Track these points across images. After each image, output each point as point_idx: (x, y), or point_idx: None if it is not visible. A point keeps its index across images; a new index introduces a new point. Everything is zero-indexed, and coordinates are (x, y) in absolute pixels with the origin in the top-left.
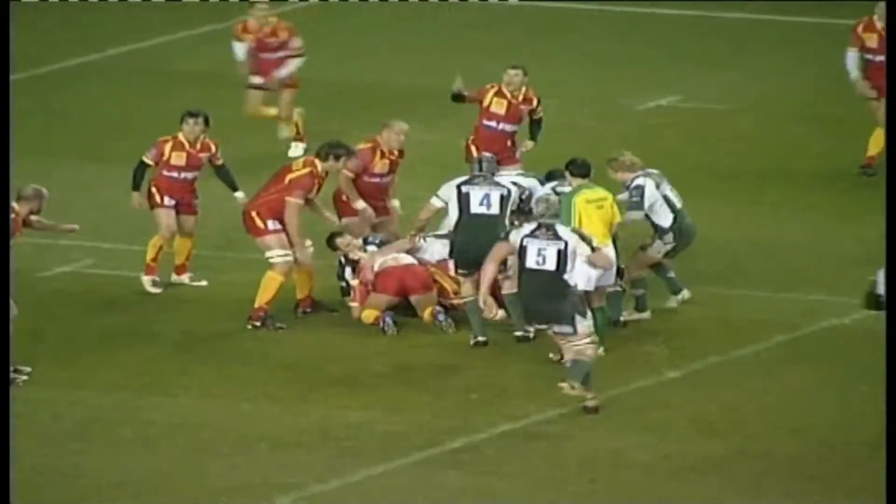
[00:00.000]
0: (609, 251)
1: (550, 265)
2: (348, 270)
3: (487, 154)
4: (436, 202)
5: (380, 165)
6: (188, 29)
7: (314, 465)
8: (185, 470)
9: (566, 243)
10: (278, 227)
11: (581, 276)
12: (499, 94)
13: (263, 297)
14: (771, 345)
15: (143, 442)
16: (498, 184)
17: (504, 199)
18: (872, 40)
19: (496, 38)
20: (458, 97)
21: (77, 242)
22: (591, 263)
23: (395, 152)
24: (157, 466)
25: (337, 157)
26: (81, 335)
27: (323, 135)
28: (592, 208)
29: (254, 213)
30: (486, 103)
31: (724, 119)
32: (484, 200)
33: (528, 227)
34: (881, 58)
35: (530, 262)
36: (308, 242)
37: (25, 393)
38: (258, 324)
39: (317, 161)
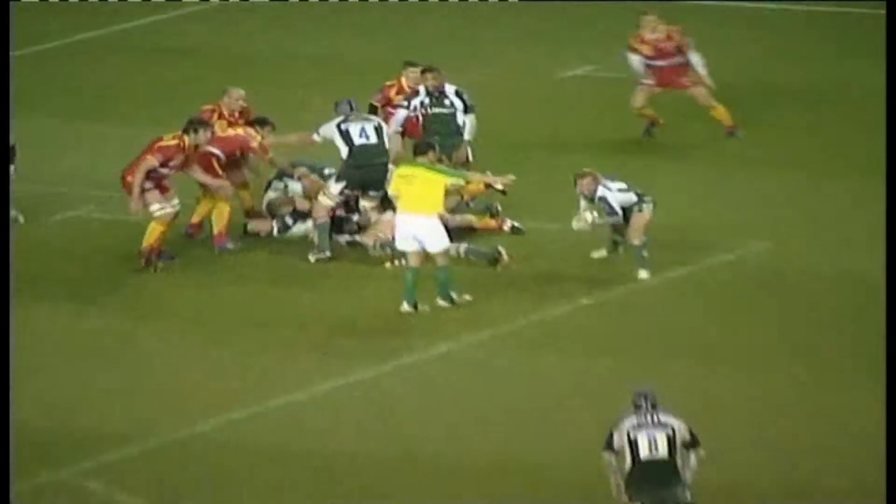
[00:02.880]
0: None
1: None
2: (307, 223)
3: (348, 98)
4: (315, 137)
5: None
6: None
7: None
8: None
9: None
10: (149, 185)
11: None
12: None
13: (146, 241)
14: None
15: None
16: (368, 118)
17: (378, 130)
18: (647, 50)
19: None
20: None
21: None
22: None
23: (236, 114)
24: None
25: (195, 131)
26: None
27: None
28: (403, 182)
29: (129, 178)
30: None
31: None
32: (362, 133)
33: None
34: (660, 62)
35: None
36: (175, 201)
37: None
38: (144, 263)
39: (184, 135)
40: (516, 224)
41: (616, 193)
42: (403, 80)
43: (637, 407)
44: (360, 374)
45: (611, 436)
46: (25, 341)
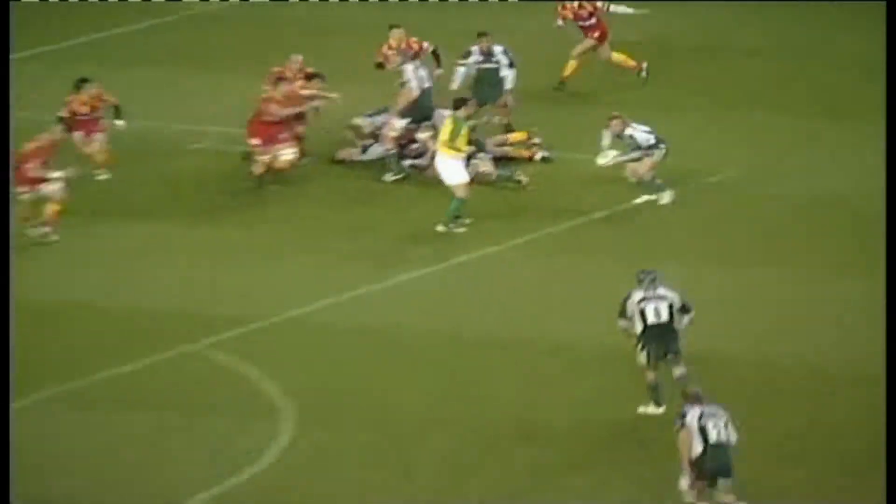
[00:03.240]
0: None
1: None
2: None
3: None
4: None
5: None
6: None
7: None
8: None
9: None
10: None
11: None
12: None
13: (260, 169)
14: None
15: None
16: (429, 72)
17: (431, 77)
18: (568, 15)
19: None
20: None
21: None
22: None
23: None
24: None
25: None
26: None
27: None
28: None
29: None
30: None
31: None
32: (429, 78)
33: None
34: (586, 22)
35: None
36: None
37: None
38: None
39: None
40: (546, 154)
41: (641, 134)
42: (391, 40)
43: (640, 282)
44: (423, 271)
45: (624, 307)
46: (157, 248)
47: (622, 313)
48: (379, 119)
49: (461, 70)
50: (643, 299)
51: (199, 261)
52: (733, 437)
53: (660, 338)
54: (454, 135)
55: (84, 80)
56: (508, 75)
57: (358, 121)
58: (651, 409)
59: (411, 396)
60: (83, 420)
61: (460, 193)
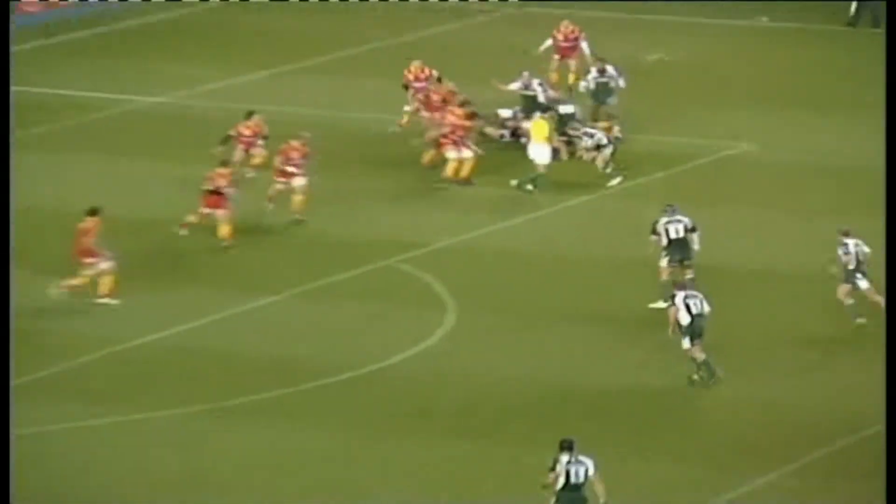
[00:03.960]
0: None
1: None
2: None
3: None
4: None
5: None
6: None
7: None
8: None
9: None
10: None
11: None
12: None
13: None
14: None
15: None
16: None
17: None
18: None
19: None
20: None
21: None
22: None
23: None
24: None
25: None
26: None
27: None
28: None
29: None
30: None
31: None
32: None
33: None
34: (565, 43)
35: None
36: None
37: None
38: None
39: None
40: (619, 135)
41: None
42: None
43: (664, 211)
44: (498, 224)
45: (654, 227)
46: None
47: (653, 231)
48: (515, 114)
49: (582, 84)
50: (668, 222)
51: (384, 206)
52: (706, 310)
53: (678, 248)
54: (550, 131)
55: (251, 112)
56: (621, 83)
57: (502, 112)
58: (659, 304)
59: (549, 298)
60: (313, 310)
61: (541, 169)
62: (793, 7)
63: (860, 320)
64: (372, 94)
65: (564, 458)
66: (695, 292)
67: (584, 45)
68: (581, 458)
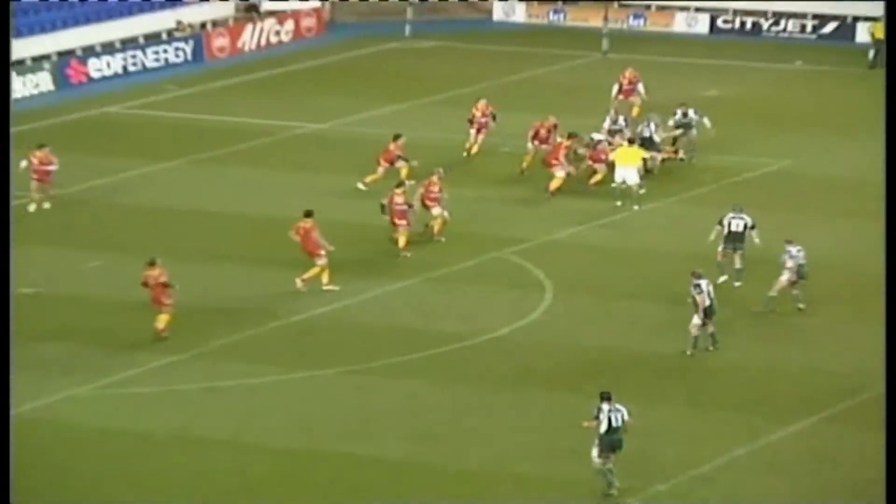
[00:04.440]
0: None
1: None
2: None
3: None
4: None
5: None
6: None
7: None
8: None
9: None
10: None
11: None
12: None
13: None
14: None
15: None
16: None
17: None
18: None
19: None
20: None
21: None
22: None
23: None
24: None
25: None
26: None
27: None
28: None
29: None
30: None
31: None
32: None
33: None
34: (628, 86)
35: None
36: None
37: None
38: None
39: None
40: (682, 156)
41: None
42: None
43: (732, 209)
44: (586, 224)
45: (720, 220)
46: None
47: (720, 222)
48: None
49: (670, 122)
50: (732, 217)
51: (499, 210)
52: (714, 299)
53: (735, 240)
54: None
55: (398, 135)
56: (705, 120)
57: (595, 135)
58: (722, 279)
59: (625, 283)
60: (441, 290)
61: (636, 189)
62: (823, 52)
63: (801, 306)
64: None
65: (606, 406)
66: (708, 281)
67: (640, 87)
68: (618, 406)
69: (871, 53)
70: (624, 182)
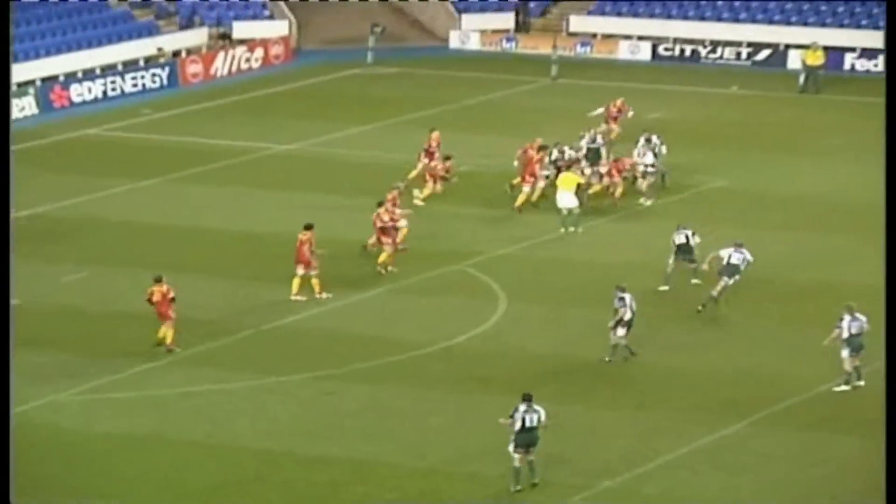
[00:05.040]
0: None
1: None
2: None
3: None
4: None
5: None
6: None
7: None
8: None
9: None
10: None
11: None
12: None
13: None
14: None
15: None
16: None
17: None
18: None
19: None
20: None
21: None
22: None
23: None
24: None
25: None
26: None
27: None
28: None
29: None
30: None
31: None
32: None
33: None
34: (616, 114)
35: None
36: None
37: None
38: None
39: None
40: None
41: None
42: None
43: (678, 227)
44: (538, 238)
45: (672, 237)
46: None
47: (673, 240)
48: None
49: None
50: (677, 231)
51: (457, 225)
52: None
53: (684, 252)
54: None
55: (448, 156)
56: (663, 150)
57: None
58: (663, 288)
59: (574, 293)
60: (400, 301)
61: (576, 211)
62: (757, 78)
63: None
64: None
65: (522, 407)
66: (536, 407)
67: (629, 115)
68: (536, 407)
69: (802, 78)
70: (565, 207)
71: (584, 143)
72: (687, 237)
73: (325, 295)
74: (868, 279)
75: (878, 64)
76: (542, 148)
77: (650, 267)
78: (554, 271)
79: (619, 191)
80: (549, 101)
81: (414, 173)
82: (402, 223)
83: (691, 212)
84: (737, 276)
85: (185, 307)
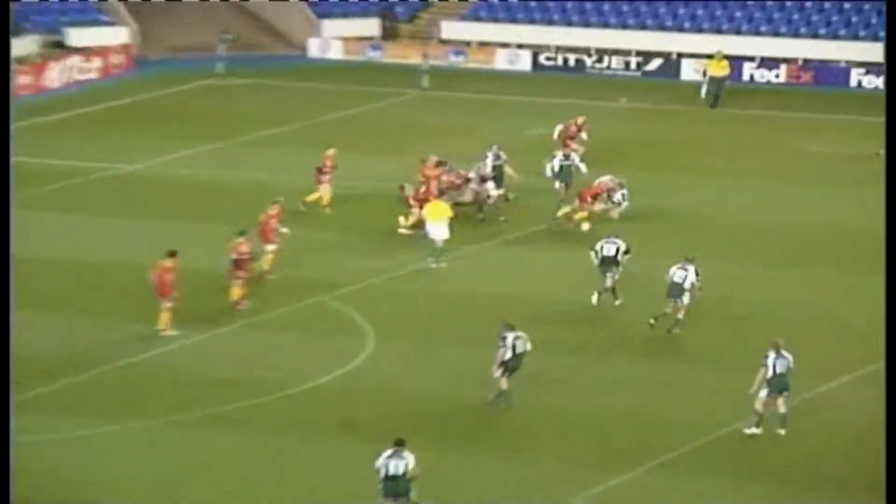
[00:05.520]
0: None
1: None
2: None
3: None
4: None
5: None
6: None
7: None
8: None
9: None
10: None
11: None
12: None
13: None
14: None
15: None
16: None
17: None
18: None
19: None
20: None
21: None
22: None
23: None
24: None
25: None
26: None
27: None
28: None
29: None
30: None
31: None
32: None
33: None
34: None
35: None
36: None
37: None
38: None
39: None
40: (509, 196)
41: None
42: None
43: (608, 236)
44: (408, 268)
45: (593, 245)
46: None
47: (592, 247)
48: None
49: (548, 166)
50: (605, 243)
51: (320, 253)
52: (528, 348)
53: (608, 265)
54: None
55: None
56: (582, 169)
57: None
58: (594, 298)
59: (447, 327)
60: (260, 338)
61: (440, 244)
62: (648, 88)
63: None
64: (303, 164)
65: (387, 452)
66: (522, 335)
67: (583, 135)
68: (403, 454)
69: (704, 90)
70: (438, 239)
71: (489, 162)
72: (617, 250)
73: (172, 332)
74: (786, 311)
75: (780, 74)
76: (440, 164)
77: (535, 298)
78: (428, 303)
79: (582, 215)
80: (419, 115)
81: (315, 195)
82: (271, 247)
83: (580, 238)
84: (684, 298)
85: (19, 347)
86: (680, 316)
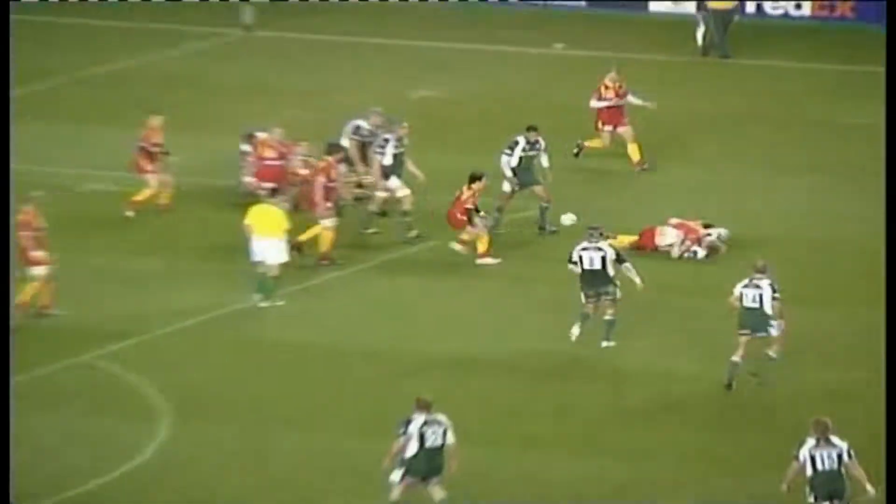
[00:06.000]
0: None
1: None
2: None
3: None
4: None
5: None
6: None
7: None
8: None
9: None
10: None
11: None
12: None
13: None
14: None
15: None
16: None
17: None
18: (609, 92)
19: None
20: None
21: None
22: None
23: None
24: None
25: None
26: None
27: None
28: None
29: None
30: None
31: None
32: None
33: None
34: (610, 102)
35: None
36: None
37: None
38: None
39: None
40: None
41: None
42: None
43: (589, 236)
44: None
45: (571, 254)
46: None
47: (570, 259)
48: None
49: (503, 159)
50: (584, 248)
51: (110, 289)
52: (450, 441)
53: (592, 280)
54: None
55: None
56: (544, 161)
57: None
58: (575, 330)
59: (279, 401)
60: None
61: (275, 272)
62: (589, 34)
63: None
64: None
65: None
66: (439, 418)
67: (631, 98)
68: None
69: (700, 32)
70: (269, 263)
71: (388, 150)
72: (603, 259)
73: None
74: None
75: (802, 5)
76: (332, 150)
77: (434, 354)
78: (249, 361)
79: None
80: (238, 66)
81: (146, 192)
82: (37, 271)
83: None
84: (770, 328)
85: None
86: (773, 353)
